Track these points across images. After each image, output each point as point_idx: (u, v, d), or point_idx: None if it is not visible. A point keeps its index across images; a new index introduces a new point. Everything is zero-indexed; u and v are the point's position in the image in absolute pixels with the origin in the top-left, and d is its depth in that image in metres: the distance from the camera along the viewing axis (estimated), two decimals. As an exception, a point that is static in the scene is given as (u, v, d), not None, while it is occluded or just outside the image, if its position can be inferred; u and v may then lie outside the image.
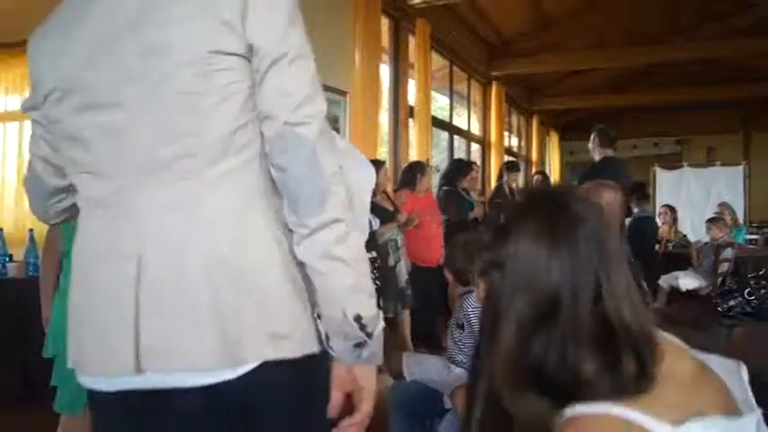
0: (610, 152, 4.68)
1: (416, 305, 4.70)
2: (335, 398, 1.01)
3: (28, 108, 1.10)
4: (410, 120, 6.88)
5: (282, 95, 0.96)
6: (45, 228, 4.84)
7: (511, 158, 8.45)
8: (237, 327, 0.94)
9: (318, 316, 1.01)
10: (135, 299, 0.95)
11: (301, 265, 1.00)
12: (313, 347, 1.00)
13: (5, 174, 6.92)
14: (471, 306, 2.31)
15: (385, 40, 6.50)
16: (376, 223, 4.19)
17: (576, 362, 0.86)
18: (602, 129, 4.77)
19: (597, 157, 4.62)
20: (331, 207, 0.95)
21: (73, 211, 1.16)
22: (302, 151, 0.96)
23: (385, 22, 6.41)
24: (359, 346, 0.98)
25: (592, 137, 4.64)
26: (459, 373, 2.32)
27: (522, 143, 12.38)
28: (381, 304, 3.94)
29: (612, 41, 9.57)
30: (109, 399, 1.02)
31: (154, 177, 0.97)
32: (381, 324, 1.01)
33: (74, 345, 1.05)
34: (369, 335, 0.98)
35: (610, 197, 2.37)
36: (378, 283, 3.60)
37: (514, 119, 11.92)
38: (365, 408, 1.01)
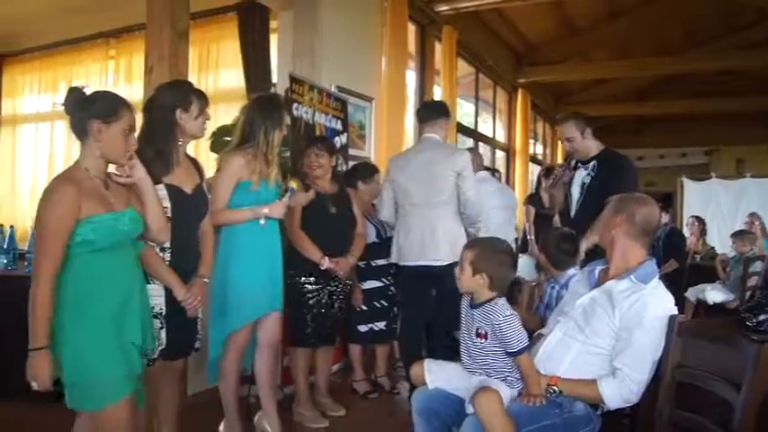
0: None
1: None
2: None
3: (386, 181, 4.01)
4: (435, 126, 6.87)
5: (468, 188, 3.77)
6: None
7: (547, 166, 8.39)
8: (453, 250, 3.36)
9: None
10: (423, 239, 3.77)
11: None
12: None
13: (37, 173, 7.02)
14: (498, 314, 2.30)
15: (411, 46, 6.53)
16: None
17: None
18: (580, 114, 3.86)
19: (595, 151, 3.74)
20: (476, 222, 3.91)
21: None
22: (474, 205, 3.81)
23: (412, 29, 6.45)
24: None
25: (580, 129, 3.73)
26: (480, 379, 2.32)
27: (548, 151, 12.32)
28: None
29: (636, 51, 9.51)
30: (410, 269, 3.85)
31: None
32: None
33: (396, 250, 3.92)
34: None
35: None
36: None
37: (539, 126, 11.87)
38: None
